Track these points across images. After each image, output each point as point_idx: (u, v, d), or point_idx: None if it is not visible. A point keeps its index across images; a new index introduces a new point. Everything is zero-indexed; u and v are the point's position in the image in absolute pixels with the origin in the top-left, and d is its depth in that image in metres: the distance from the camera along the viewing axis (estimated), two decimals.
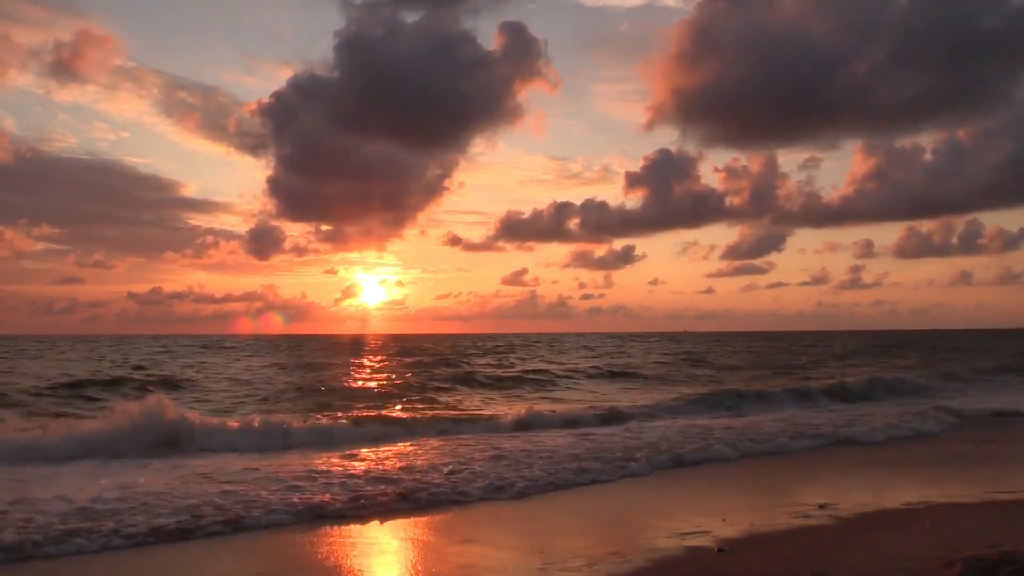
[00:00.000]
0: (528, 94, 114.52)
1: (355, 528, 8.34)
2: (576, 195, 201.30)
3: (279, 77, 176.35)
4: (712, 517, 8.51)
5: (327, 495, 9.40)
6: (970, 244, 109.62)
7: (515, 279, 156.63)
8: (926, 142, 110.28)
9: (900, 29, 58.56)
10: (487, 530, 8.34)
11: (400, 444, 14.17)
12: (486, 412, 19.59)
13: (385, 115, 65.67)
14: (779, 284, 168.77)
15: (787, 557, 6.86)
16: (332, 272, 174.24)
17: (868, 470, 12.05)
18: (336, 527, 8.33)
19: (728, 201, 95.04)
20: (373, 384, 28.63)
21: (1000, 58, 58.65)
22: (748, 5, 69.66)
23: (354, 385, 28.59)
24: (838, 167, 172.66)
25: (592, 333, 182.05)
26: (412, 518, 8.81)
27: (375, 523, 8.55)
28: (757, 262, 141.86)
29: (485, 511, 9.29)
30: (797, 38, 59.86)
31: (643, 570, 6.63)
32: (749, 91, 64.11)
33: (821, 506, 9.07)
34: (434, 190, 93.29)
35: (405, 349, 65.25)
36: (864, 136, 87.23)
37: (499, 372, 34.05)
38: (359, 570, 6.91)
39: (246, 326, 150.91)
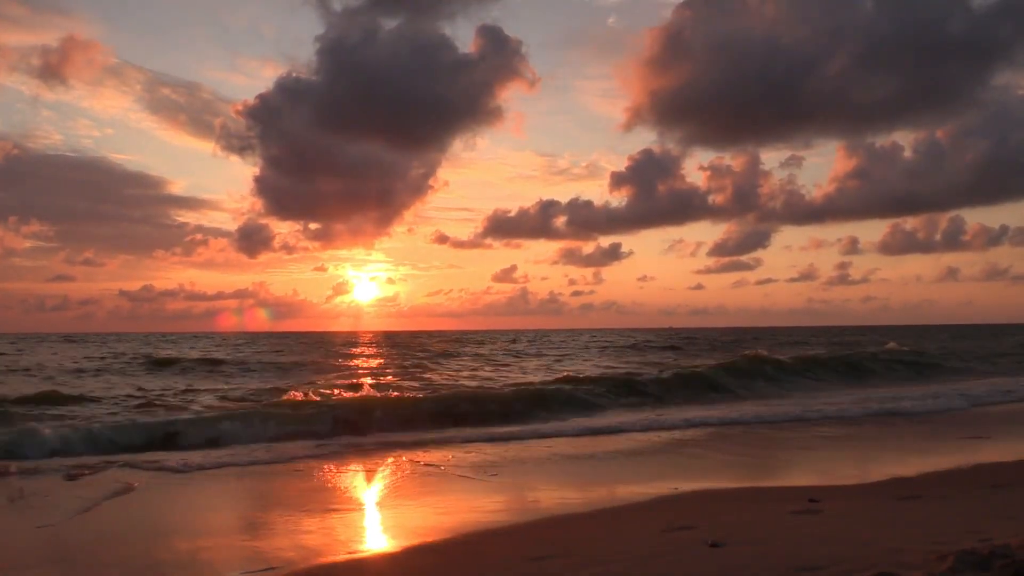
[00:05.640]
0: (511, 93, 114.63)
1: None
2: (564, 191, 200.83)
3: (263, 75, 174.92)
4: None
5: None
6: (954, 240, 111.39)
7: (505, 276, 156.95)
8: (900, 142, 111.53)
9: (867, 33, 59.82)
10: None
11: None
12: None
13: (368, 118, 66.41)
14: (768, 280, 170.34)
15: (778, 551, 6.85)
16: (322, 269, 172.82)
17: None
18: None
19: (712, 199, 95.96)
20: None
21: (964, 61, 60.12)
22: (723, 9, 70.58)
23: None
24: (815, 165, 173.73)
25: (585, 329, 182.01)
26: None
27: None
28: (744, 258, 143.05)
29: None
30: (770, 41, 60.69)
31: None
32: (723, 94, 65.19)
33: (811, 500, 9.11)
34: (419, 189, 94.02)
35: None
36: (838, 136, 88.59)
37: None
38: None
39: (242, 323, 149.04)
